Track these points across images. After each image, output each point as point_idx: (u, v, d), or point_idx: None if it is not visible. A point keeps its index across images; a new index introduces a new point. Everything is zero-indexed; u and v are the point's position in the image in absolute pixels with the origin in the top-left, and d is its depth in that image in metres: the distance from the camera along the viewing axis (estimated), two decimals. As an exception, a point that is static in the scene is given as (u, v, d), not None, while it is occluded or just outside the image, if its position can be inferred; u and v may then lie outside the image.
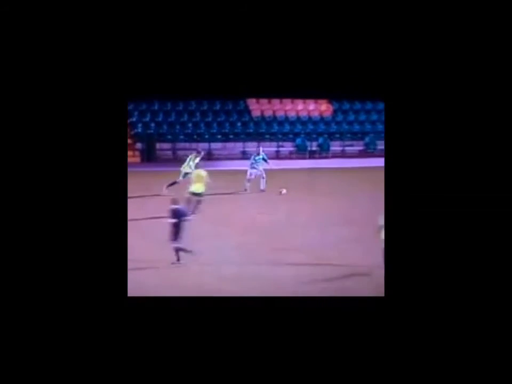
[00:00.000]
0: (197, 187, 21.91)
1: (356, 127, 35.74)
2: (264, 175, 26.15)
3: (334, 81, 13.32)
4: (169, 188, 24.12)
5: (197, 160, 24.51)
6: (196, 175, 22.51)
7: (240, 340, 12.62)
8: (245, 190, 25.94)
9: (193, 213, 20.59)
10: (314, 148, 34.59)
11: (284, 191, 25.43)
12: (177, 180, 24.48)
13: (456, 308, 12.70)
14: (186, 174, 24.24)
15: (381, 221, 14.91)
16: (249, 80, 13.23)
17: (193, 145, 32.96)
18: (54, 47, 12.64)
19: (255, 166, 26.30)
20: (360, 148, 35.13)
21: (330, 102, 35.91)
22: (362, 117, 36.02)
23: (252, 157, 26.68)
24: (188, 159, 24.83)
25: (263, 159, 26.53)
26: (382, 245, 14.65)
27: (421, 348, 12.61)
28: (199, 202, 21.84)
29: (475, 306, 12.68)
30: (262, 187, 26.08)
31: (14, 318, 12.50)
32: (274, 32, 12.98)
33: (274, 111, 35.64)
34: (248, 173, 26.24)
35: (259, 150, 27.05)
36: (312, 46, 13.06)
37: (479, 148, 12.77)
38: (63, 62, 12.67)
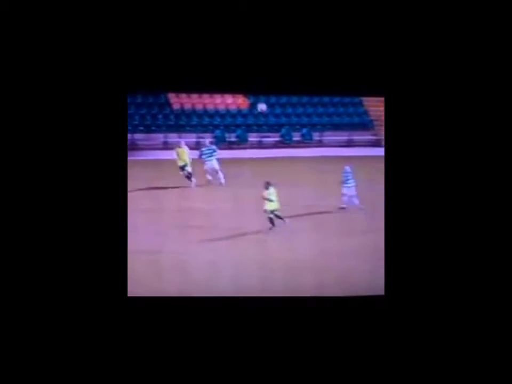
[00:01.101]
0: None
1: (271, 119, 36.67)
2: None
3: (332, 77, 13.62)
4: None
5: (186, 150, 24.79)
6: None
7: (240, 339, 12.86)
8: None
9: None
10: (233, 139, 35.45)
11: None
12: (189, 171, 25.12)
13: (456, 305, 12.87)
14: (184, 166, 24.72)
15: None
16: (248, 76, 13.54)
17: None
18: (53, 41, 12.92)
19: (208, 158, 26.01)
20: (277, 139, 35.89)
21: (246, 96, 37.08)
22: (277, 110, 37.12)
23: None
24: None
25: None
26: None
27: (421, 346, 12.89)
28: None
29: (476, 305, 12.88)
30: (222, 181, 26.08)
31: (13, 317, 12.82)
32: (272, 28, 13.29)
33: (193, 104, 36.48)
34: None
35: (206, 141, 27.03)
36: (311, 43, 13.38)
37: (481, 142, 12.84)
38: (61, 57, 12.94)
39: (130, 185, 23.22)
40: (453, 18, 13.12)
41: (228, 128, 35.68)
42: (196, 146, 33.82)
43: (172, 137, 34.76)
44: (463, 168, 13.06)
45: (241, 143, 35.48)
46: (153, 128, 35.36)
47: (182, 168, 25.63)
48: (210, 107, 36.84)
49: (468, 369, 12.81)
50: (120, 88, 12.84)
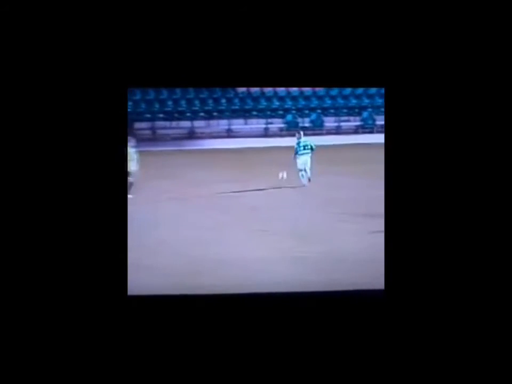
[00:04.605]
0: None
1: (353, 101, 34.03)
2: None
3: (333, 67, 13.09)
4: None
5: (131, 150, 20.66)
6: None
7: (241, 337, 12.64)
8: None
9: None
10: (306, 125, 32.55)
11: (284, 174, 21.83)
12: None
13: (458, 301, 12.58)
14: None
15: None
16: (249, 68, 13.17)
17: (174, 123, 31.77)
18: (51, 36, 12.64)
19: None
20: (357, 124, 33.38)
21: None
22: (359, 90, 34.33)
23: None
24: None
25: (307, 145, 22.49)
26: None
27: (422, 342, 12.47)
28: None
29: (476, 300, 12.52)
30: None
31: (12, 316, 12.32)
32: (273, 20, 12.93)
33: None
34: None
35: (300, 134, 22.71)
36: (311, 33, 12.87)
37: (482, 135, 12.58)
38: (61, 51, 12.65)
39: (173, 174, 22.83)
40: (456, 9, 12.82)
41: (300, 112, 33.19)
42: (265, 133, 32.04)
43: (237, 123, 32.16)
44: (465, 160, 12.79)
45: (316, 128, 32.48)
46: (215, 114, 32.57)
47: None
48: (280, 88, 33.83)
49: (468, 367, 12.27)
50: (120, 81, 12.83)
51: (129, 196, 19.24)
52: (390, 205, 13.05)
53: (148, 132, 31.87)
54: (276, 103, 33.46)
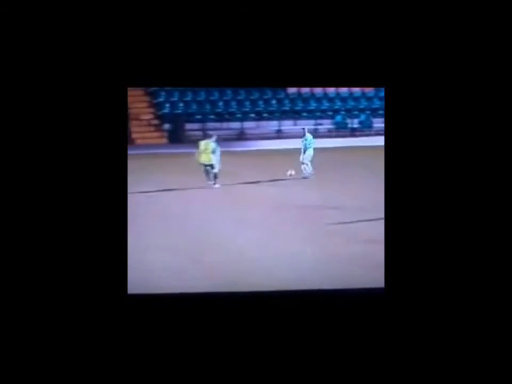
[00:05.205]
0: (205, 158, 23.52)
1: None
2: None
3: (333, 67, 13.16)
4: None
5: (212, 144, 23.84)
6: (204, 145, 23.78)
7: (241, 336, 12.72)
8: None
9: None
10: (355, 125, 32.91)
11: (292, 172, 24.25)
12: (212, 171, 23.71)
13: (457, 299, 12.64)
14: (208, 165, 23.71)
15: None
16: (249, 68, 13.27)
17: (224, 124, 32.00)
18: (51, 36, 12.77)
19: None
20: None
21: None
22: None
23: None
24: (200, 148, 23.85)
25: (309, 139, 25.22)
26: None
27: (422, 340, 12.54)
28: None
29: (476, 299, 12.58)
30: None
31: (11, 315, 12.46)
32: (274, 21, 13.09)
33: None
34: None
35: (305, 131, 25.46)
36: (311, 34, 13.01)
37: (482, 134, 12.65)
38: (61, 49, 12.76)
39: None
40: (456, 10, 12.89)
41: (350, 113, 33.35)
42: (314, 134, 32.12)
43: (287, 124, 32.35)
44: (465, 159, 12.80)
45: (365, 129, 32.79)
46: (265, 115, 32.71)
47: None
48: (330, 89, 33.90)
49: (468, 366, 12.38)
50: (120, 81, 12.94)
51: (216, 185, 23.14)
52: (390, 205, 12.81)
53: (198, 133, 31.94)
54: (326, 104, 33.57)
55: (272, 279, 14.73)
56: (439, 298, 12.78)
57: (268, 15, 13.09)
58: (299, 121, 32.23)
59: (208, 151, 23.60)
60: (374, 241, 15.50)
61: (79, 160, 12.66)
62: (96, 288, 12.66)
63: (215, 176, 23.37)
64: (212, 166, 23.36)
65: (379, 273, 12.93)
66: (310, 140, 25.06)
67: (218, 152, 23.64)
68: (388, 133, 12.84)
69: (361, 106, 33.91)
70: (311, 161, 24.79)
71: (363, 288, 13.41)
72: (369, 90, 34.21)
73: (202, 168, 23.55)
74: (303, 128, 25.87)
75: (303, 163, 24.68)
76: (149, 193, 21.74)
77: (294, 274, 15.00)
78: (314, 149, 25.00)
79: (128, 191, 13.18)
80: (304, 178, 24.36)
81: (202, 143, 23.88)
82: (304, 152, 24.74)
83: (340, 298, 13.08)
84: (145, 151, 28.89)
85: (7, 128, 12.62)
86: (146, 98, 33.15)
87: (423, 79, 12.88)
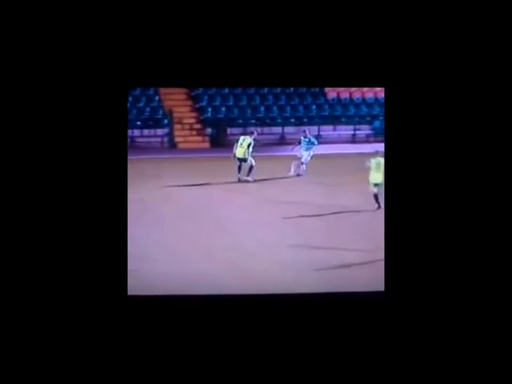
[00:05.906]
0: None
1: None
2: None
3: (333, 67, 13.22)
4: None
5: (249, 141, 24.96)
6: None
7: (241, 338, 12.66)
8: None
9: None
10: None
11: (291, 172, 25.68)
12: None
13: (457, 302, 12.58)
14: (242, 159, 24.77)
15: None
16: (248, 68, 13.26)
17: (266, 129, 32.42)
18: (52, 35, 12.76)
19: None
20: None
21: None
22: None
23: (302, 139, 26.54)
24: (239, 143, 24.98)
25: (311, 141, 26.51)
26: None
27: (422, 342, 12.55)
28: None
29: (476, 301, 12.54)
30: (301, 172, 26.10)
31: (11, 315, 12.52)
32: (274, 21, 13.06)
33: (351, 93, 34.25)
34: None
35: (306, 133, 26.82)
36: (312, 34, 13.01)
37: (482, 134, 12.61)
38: (61, 50, 12.75)
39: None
40: (456, 10, 12.88)
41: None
42: (352, 139, 32.42)
43: (326, 129, 32.70)
44: (465, 159, 12.82)
45: None
46: (305, 120, 33.17)
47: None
48: (369, 95, 34.20)
49: (468, 367, 12.50)
50: (121, 82, 12.93)
51: (248, 178, 24.53)
52: (390, 205, 12.84)
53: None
54: (364, 110, 33.89)
55: (271, 282, 14.79)
56: (439, 301, 12.65)
57: (268, 16, 13.11)
58: (338, 127, 32.79)
59: (244, 145, 24.97)
60: (374, 244, 15.42)
61: (79, 160, 12.61)
62: (96, 289, 12.61)
63: (249, 170, 24.76)
64: (244, 160, 24.73)
65: (379, 276, 12.97)
66: (310, 140, 26.29)
67: (251, 149, 24.83)
68: (388, 133, 12.87)
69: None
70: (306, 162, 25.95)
71: (363, 291, 13.37)
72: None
73: (237, 163, 24.86)
74: (304, 131, 27.08)
75: (302, 163, 25.96)
76: (149, 196, 21.94)
77: (294, 278, 15.12)
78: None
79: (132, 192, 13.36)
80: (299, 175, 25.68)
81: (242, 138, 25.37)
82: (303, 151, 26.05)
83: (340, 301, 13.08)
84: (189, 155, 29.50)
85: (10, 129, 12.52)
86: (189, 102, 33.53)
87: (423, 79, 12.80)
